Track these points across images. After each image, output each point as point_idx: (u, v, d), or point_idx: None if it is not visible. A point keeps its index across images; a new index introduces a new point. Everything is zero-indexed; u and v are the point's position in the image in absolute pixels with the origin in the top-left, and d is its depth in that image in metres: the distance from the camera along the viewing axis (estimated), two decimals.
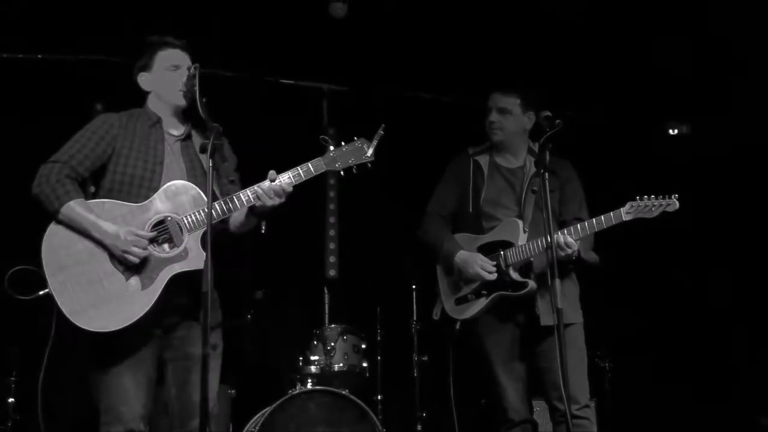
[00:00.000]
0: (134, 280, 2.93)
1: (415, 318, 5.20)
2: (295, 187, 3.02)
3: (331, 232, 6.26)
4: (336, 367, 4.81)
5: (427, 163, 4.48)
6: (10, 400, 4.65)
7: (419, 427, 5.05)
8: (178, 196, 3.02)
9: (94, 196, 3.11)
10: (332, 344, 4.84)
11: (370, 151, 3.09)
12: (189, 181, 3.07)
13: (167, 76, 3.18)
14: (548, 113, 3.45)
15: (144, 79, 3.24)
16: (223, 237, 3.20)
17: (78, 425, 4.80)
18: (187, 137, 3.23)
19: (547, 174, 3.32)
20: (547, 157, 3.57)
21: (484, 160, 3.91)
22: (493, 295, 3.67)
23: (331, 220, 6.29)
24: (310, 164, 3.05)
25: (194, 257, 2.94)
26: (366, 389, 4.95)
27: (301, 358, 4.89)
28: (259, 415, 4.43)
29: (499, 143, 3.89)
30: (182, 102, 3.14)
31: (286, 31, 5.52)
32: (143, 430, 2.96)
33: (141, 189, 3.04)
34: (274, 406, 4.35)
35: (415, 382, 5.13)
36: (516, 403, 3.68)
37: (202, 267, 2.77)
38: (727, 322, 6.01)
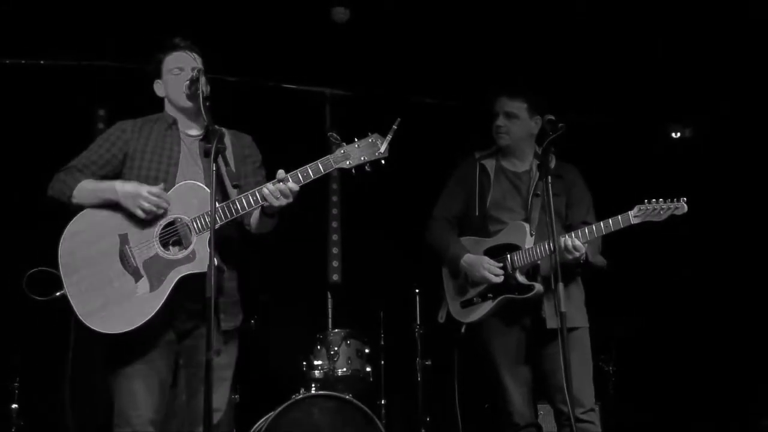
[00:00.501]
0: (143, 282, 2.93)
1: (418, 322, 5.20)
2: (300, 188, 2.96)
3: (334, 237, 6.26)
4: (339, 372, 4.80)
5: (431, 168, 4.48)
6: (14, 406, 4.65)
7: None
8: (187, 197, 3.01)
9: None
10: (336, 349, 4.83)
11: (383, 147, 2.94)
12: (206, 179, 3.04)
13: (172, 79, 3.20)
14: (551, 117, 3.46)
15: (157, 86, 3.28)
16: (245, 240, 3.21)
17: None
18: (205, 137, 3.21)
19: (550, 177, 3.32)
20: (551, 161, 3.57)
21: (490, 163, 3.91)
22: (499, 298, 3.66)
23: (334, 224, 6.28)
24: (319, 162, 2.97)
25: (201, 259, 2.93)
26: (369, 394, 4.95)
27: (304, 363, 4.89)
28: (262, 420, 4.42)
29: (506, 147, 3.89)
30: (186, 104, 3.14)
31: (289, 36, 5.52)
32: None
33: None
34: (277, 410, 4.34)
35: (419, 387, 5.12)
36: (521, 407, 3.68)
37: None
38: (731, 324, 6.00)
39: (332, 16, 5.44)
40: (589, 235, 3.52)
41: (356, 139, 2.97)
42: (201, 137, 3.20)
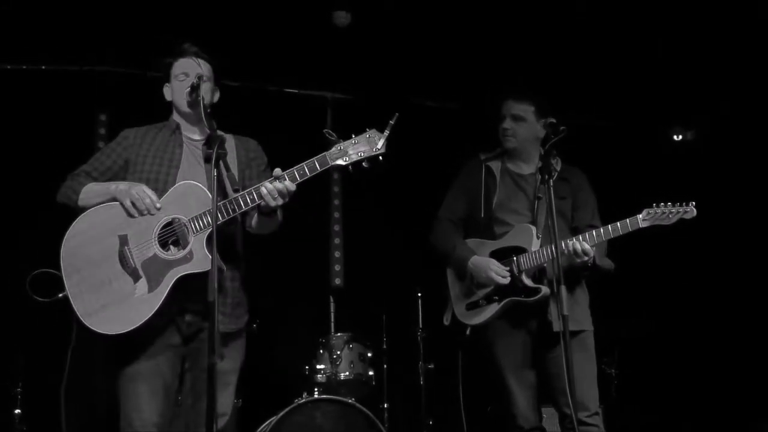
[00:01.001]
0: (141, 283, 2.93)
1: (420, 326, 5.20)
2: (299, 191, 2.95)
3: (336, 240, 6.25)
4: (342, 376, 4.80)
5: (433, 171, 4.48)
6: (17, 411, 4.64)
7: None
8: (184, 197, 3.02)
9: None
10: (338, 353, 4.83)
11: (381, 143, 2.89)
12: (207, 183, 3.04)
13: (177, 85, 3.26)
14: (553, 120, 3.45)
15: (166, 90, 3.34)
16: (246, 242, 3.22)
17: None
18: (207, 142, 3.22)
19: (552, 180, 3.31)
20: (556, 164, 3.57)
21: (495, 166, 3.90)
22: (505, 301, 3.65)
23: (336, 228, 6.28)
24: (315, 159, 2.94)
25: (199, 259, 2.93)
26: (372, 397, 4.94)
27: (307, 367, 4.88)
28: (265, 424, 4.42)
29: (513, 150, 3.88)
30: (187, 109, 3.18)
31: (290, 41, 5.53)
32: None
33: (155, 192, 3.05)
34: (280, 415, 4.33)
35: (421, 390, 5.12)
36: (526, 410, 3.67)
37: (206, 269, 2.78)
38: (734, 327, 5.99)
39: (333, 21, 5.44)
40: (597, 238, 3.51)
41: (353, 136, 2.93)
42: (204, 142, 3.21)
